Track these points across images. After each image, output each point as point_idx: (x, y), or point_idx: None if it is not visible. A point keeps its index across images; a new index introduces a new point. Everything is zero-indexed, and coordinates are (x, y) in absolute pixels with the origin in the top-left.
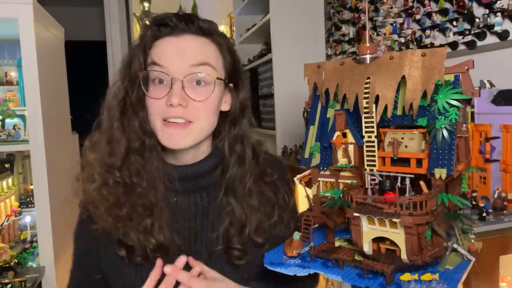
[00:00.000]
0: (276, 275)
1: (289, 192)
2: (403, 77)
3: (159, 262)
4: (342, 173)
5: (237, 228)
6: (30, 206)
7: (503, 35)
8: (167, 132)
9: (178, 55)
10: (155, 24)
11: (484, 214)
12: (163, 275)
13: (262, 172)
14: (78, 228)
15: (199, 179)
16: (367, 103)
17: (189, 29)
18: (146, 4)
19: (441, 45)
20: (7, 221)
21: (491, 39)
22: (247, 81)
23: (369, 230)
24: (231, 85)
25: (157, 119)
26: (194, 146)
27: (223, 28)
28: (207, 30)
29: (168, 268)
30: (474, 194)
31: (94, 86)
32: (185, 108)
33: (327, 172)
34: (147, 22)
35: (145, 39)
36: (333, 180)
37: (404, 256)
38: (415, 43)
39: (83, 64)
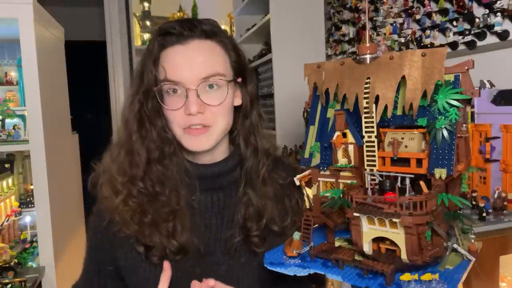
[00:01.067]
0: None
1: (302, 198)
2: (403, 77)
3: (166, 265)
4: (342, 173)
5: (255, 216)
6: (30, 206)
7: (503, 35)
8: (189, 138)
9: (189, 68)
10: (160, 34)
11: (484, 214)
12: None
13: (274, 165)
14: (94, 224)
15: (217, 179)
16: (367, 103)
17: (193, 34)
18: (146, 4)
19: (441, 45)
20: (7, 221)
21: (491, 39)
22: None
23: (369, 230)
24: (239, 80)
25: (178, 128)
26: (213, 147)
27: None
28: (211, 32)
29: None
30: (474, 194)
31: (94, 86)
32: (204, 114)
33: (327, 172)
34: (148, 24)
35: (153, 50)
36: (333, 180)
37: (404, 256)
38: (415, 43)
39: (83, 64)
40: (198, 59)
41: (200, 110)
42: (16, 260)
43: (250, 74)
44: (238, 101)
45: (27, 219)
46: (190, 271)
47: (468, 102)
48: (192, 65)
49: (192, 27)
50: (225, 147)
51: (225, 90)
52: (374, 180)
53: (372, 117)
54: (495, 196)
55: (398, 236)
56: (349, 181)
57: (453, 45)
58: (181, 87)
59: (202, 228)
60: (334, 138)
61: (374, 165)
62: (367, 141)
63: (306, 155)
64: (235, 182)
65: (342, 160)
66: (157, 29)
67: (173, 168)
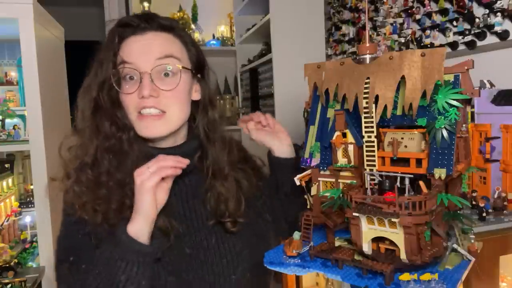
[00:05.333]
0: None
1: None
2: (403, 77)
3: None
4: (342, 173)
5: (224, 204)
6: (30, 206)
7: (503, 35)
8: (143, 124)
9: (144, 51)
10: (119, 26)
11: (484, 214)
12: None
13: (236, 157)
14: (66, 233)
15: None
16: (367, 103)
17: (150, 27)
18: (146, 4)
19: (441, 45)
20: (7, 221)
21: (491, 39)
22: (247, 81)
23: (368, 230)
24: (198, 75)
25: (133, 113)
26: (173, 134)
27: (223, 29)
28: (168, 26)
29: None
30: (474, 194)
31: None
32: (157, 99)
33: (327, 172)
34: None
35: (112, 41)
36: (333, 180)
37: (403, 256)
38: (415, 43)
39: (84, 64)
40: (152, 45)
41: (153, 94)
42: (16, 260)
43: (209, 72)
44: (197, 96)
45: (27, 219)
46: (181, 252)
47: (468, 102)
48: (146, 50)
49: (149, 20)
50: (184, 134)
51: (178, 76)
52: (373, 180)
53: (372, 117)
54: (495, 196)
55: (397, 236)
56: (349, 181)
57: (453, 45)
58: (137, 73)
59: (180, 210)
60: (334, 138)
61: (374, 165)
62: (367, 141)
63: (306, 155)
64: (199, 170)
65: (342, 160)
66: (116, 22)
67: (134, 155)
